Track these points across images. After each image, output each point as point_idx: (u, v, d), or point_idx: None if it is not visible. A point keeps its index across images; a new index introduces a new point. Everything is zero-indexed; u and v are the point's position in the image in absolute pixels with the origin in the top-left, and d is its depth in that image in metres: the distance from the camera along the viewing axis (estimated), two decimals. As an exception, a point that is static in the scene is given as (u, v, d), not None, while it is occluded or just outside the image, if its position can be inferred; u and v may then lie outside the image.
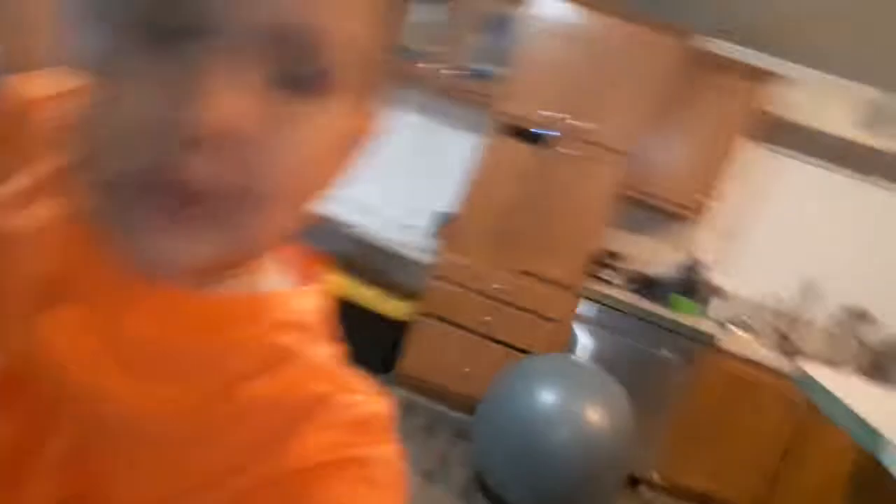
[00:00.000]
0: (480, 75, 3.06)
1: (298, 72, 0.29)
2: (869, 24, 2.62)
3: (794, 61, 3.10)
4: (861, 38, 2.76)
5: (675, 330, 2.91)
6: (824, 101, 3.17)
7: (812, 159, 3.18)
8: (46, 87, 0.37)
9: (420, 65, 3.07)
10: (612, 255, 3.30)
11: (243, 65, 0.27)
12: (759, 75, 2.96)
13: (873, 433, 1.48)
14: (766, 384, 2.84)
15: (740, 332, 3.18)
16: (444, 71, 3.10)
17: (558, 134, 2.81)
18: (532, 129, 2.86)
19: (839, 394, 1.68)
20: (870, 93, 3.15)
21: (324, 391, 0.35)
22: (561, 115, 2.82)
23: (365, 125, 0.37)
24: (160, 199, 0.28)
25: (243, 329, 0.35)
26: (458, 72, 3.09)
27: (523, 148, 2.87)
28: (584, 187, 2.89)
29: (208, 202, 0.28)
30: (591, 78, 2.83)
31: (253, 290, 0.37)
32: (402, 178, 3.62)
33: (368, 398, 0.37)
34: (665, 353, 2.93)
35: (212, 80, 0.27)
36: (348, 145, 0.36)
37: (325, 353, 0.38)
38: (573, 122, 2.83)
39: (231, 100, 0.27)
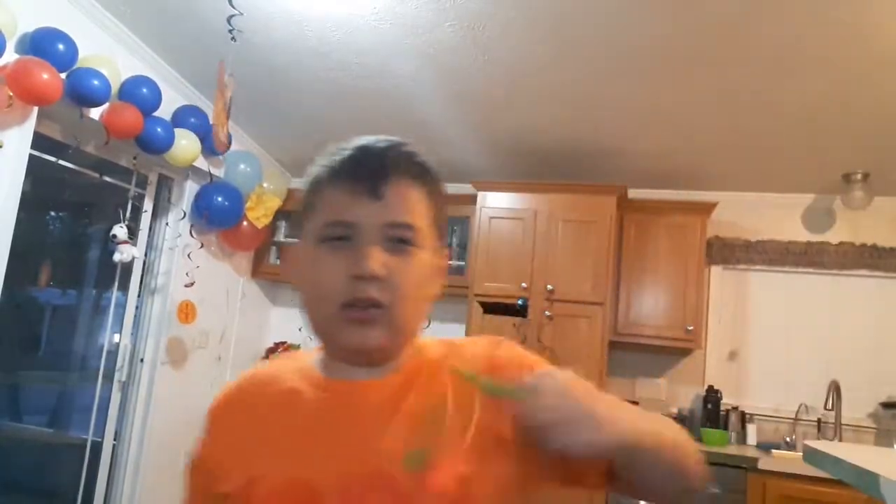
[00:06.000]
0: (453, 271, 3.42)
1: (401, 241, 0.66)
2: (774, 145, 3.01)
3: (720, 189, 3.45)
4: (771, 157, 3.13)
5: (715, 462, 2.83)
6: (769, 215, 3.45)
7: (775, 267, 3.36)
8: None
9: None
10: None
11: (378, 245, 0.65)
12: (698, 209, 3.29)
13: (868, 475, 1.47)
14: (821, 494, 2.67)
15: (781, 451, 3.05)
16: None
17: (526, 302, 3.05)
18: (506, 303, 3.11)
19: (838, 454, 1.67)
20: (807, 199, 3.44)
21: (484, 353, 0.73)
22: (527, 285, 3.11)
23: (441, 262, 0.73)
24: (355, 312, 0.64)
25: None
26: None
27: (504, 320, 3.09)
28: (572, 341, 3.05)
29: (374, 309, 0.64)
30: (546, 245, 3.17)
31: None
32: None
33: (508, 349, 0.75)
34: (711, 488, 2.80)
35: (365, 254, 0.64)
36: (435, 273, 0.71)
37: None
38: (541, 287, 3.11)
39: (375, 260, 0.64)
